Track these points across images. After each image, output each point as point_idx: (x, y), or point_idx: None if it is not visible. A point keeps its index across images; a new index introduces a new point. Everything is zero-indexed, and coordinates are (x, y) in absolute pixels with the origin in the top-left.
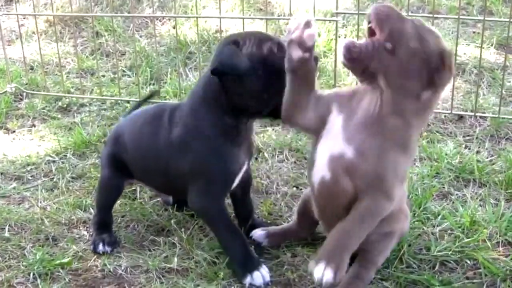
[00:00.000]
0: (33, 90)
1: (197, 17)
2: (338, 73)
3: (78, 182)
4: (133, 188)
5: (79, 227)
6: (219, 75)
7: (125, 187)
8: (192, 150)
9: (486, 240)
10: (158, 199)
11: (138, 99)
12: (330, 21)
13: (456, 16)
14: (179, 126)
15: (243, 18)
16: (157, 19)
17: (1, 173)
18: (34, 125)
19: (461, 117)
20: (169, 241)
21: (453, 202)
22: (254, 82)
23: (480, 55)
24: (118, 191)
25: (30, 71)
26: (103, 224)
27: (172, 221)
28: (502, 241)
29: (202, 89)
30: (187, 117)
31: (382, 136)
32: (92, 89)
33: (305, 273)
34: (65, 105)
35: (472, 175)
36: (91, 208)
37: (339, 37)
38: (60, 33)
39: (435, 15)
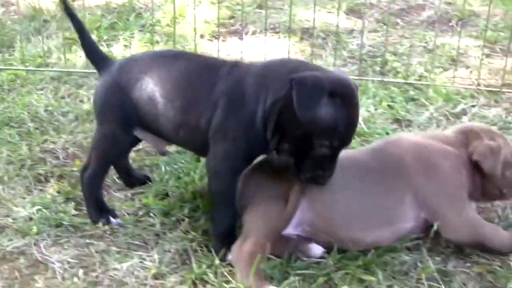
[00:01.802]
0: None
1: None
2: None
3: None
4: None
5: None
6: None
7: None
8: (233, 126)
9: None
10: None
11: None
12: None
13: None
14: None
15: None
16: None
17: None
18: None
19: None
20: None
21: None
22: (300, 134)
23: (314, 18)
24: (127, 145)
25: None
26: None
27: None
28: None
29: (269, 80)
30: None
31: None
32: None
33: None
34: None
35: None
36: None
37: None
38: None
39: None
